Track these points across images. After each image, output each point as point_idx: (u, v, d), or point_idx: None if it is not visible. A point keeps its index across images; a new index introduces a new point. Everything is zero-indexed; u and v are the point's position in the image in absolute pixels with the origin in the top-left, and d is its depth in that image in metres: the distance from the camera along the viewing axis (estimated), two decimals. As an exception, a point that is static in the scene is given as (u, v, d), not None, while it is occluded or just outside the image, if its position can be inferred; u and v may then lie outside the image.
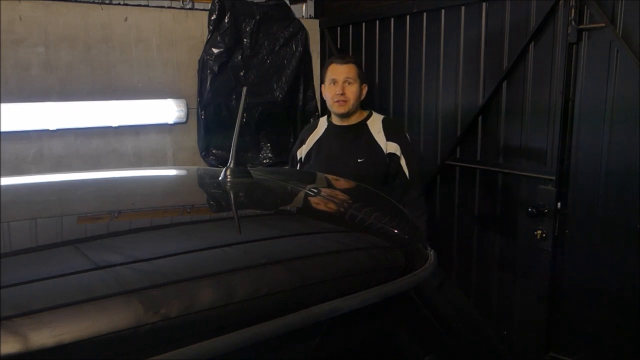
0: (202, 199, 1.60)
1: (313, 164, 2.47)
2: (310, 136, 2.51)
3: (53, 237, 1.11)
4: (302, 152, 2.52)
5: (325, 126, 2.49)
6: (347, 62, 2.37)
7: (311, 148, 2.49)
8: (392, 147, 2.34)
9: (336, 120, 2.43)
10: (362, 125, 2.39)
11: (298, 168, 2.56)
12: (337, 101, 2.34)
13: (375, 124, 2.39)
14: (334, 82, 2.35)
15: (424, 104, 2.90)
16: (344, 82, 2.33)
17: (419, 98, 2.91)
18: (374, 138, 2.35)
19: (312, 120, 3.53)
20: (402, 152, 2.34)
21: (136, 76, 2.95)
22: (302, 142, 2.54)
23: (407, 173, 2.33)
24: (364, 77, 2.43)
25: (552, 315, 2.45)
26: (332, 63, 2.41)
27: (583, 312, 2.35)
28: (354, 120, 2.40)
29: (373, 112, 2.45)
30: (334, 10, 3.49)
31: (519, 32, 2.39)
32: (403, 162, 2.34)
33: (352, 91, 2.34)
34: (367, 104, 2.59)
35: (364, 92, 2.41)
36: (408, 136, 2.44)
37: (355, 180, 2.08)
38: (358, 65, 2.41)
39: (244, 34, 3.18)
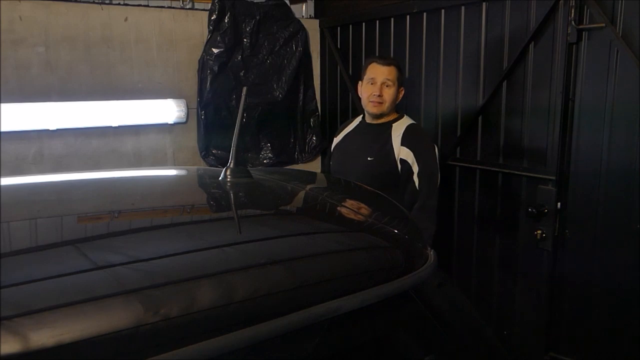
0: (202, 199, 1.60)
1: (336, 157, 2.55)
2: (345, 129, 2.57)
3: (53, 237, 1.11)
4: (334, 143, 2.60)
5: (358, 122, 2.52)
6: (388, 64, 2.34)
7: (340, 141, 2.55)
8: (404, 153, 2.29)
9: (367, 118, 2.45)
10: (387, 127, 2.37)
11: (331, 158, 2.64)
12: (373, 101, 2.33)
13: (399, 128, 2.35)
14: (373, 81, 2.33)
15: (423, 104, 2.90)
16: (383, 83, 2.31)
17: (419, 98, 2.91)
18: (390, 140, 2.33)
19: (312, 120, 3.54)
20: (417, 161, 2.27)
21: (136, 76, 2.95)
22: (337, 134, 2.61)
23: (417, 184, 2.27)
24: (403, 80, 2.41)
25: (552, 315, 2.45)
26: (373, 62, 2.38)
27: (583, 312, 2.34)
28: (382, 120, 2.39)
29: (405, 116, 2.42)
30: (334, 10, 3.49)
31: (519, 32, 2.39)
32: (415, 171, 2.27)
33: (390, 93, 2.32)
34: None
35: (401, 95, 2.39)
36: (430, 148, 2.34)
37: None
38: (399, 68, 2.37)
39: (244, 34, 3.18)
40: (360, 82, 2.43)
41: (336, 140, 2.59)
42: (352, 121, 2.59)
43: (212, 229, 1.25)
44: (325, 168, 2.76)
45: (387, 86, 2.32)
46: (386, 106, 2.33)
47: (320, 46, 3.55)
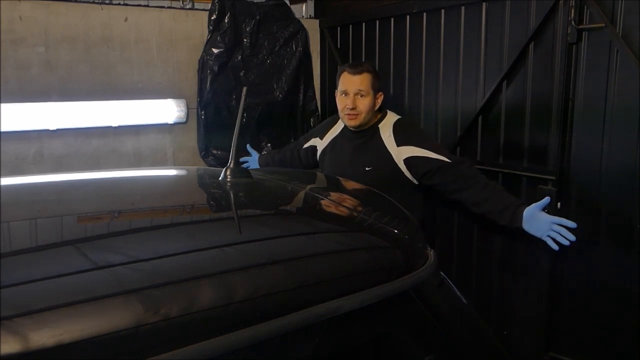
0: (202, 199, 1.61)
1: (326, 166, 2.46)
2: (328, 133, 2.48)
3: (53, 237, 1.11)
4: (319, 146, 2.51)
5: (341, 127, 2.43)
6: (360, 72, 2.23)
7: (326, 147, 2.47)
8: (407, 151, 2.20)
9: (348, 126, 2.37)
10: (374, 130, 2.28)
11: (304, 150, 2.59)
12: (348, 114, 2.24)
13: (387, 127, 2.27)
14: (345, 93, 2.24)
15: (423, 104, 2.89)
16: (356, 94, 2.22)
17: (418, 98, 2.91)
18: (383, 144, 2.24)
19: (312, 120, 3.54)
20: (423, 147, 2.18)
21: (136, 76, 2.95)
22: (321, 135, 2.52)
23: (444, 159, 2.17)
24: (380, 84, 2.32)
25: (552, 315, 2.45)
26: (344, 71, 2.28)
27: (583, 312, 2.34)
28: (365, 126, 2.30)
29: (388, 113, 2.34)
30: (334, 10, 3.49)
31: (519, 32, 2.39)
32: (432, 155, 2.17)
33: (364, 104, 2.22)
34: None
35: (379, 101, 2.29)
36: (425, 133, 2.33)
37: None
38: (373, 73, 2.26)
39: (244, 34, 3.18)
40: (336, 91, 2.35)
41: (321, 144, 2.50)
42: (334, 122, 2.50)
43: (212, 229, 1.25)
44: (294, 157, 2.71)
45: (360, 96, 2.22)
46: (363, 117, 2.24)
47: (320, 46, 3.55)
